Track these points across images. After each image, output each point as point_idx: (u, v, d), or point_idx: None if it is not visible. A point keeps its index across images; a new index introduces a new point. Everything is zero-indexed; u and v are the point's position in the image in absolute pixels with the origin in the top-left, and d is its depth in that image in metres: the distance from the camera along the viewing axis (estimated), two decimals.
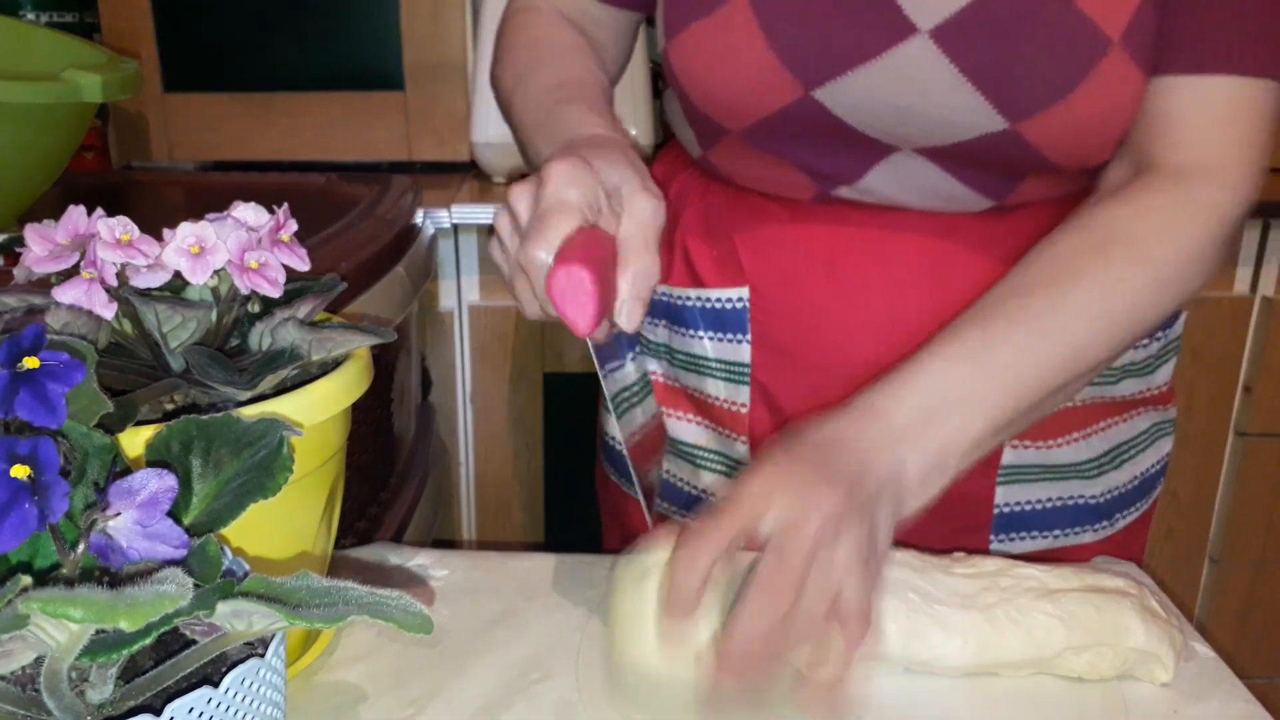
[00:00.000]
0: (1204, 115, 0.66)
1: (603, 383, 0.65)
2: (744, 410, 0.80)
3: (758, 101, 0.70)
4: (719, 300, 0.79)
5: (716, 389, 0.81)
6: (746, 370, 0.79)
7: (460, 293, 1.49)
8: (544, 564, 0.71)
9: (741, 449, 0.81)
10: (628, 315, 0.58)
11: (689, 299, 0.81)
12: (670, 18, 0.72)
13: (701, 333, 0.81)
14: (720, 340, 0.80)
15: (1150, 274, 0.64)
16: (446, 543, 1.59)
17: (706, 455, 0.84)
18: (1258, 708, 0.58)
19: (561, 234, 0.55)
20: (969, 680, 0.59)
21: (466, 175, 1.58)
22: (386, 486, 1.15)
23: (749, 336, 0.79)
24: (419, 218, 1.32)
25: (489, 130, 1.46)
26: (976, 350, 0.61)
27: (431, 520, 1.31)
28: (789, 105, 0.69)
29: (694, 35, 0.70)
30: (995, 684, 0.59)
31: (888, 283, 0.74)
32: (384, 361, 1.11)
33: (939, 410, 0.59)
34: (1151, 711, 0.57)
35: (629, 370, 0.71)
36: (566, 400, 1.54)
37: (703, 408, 0.83)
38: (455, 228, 1.45)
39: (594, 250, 0.56)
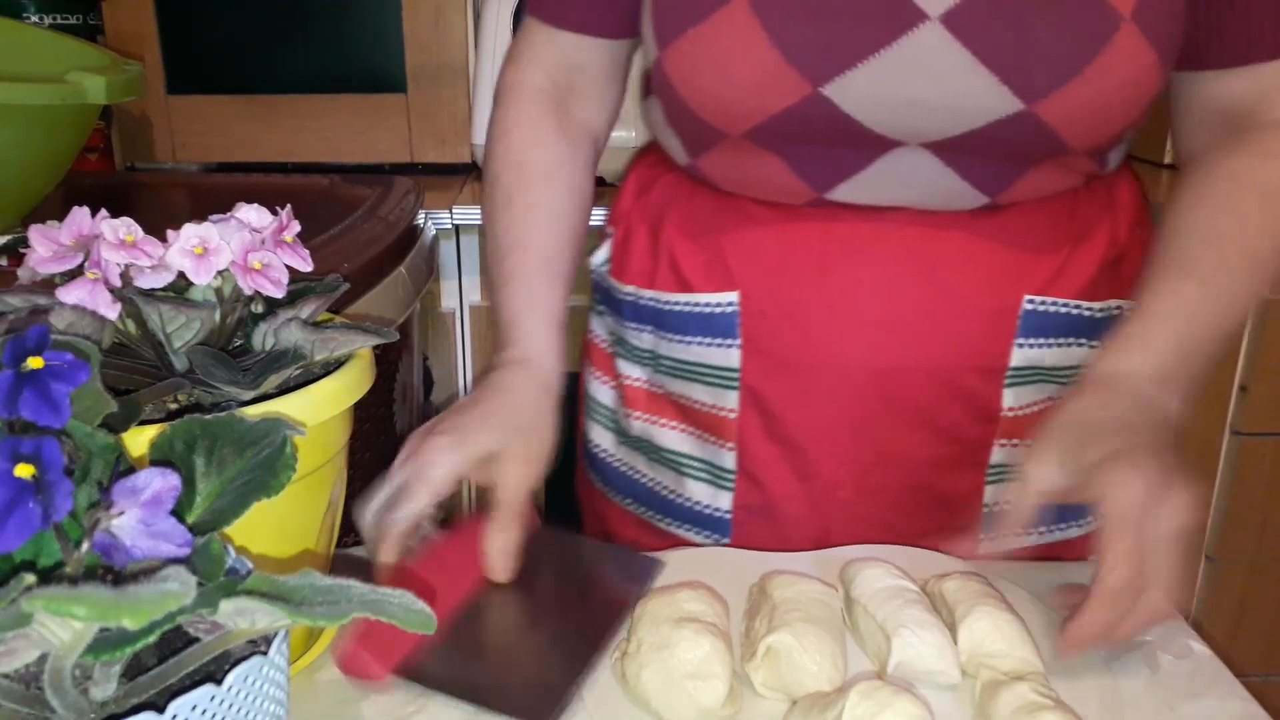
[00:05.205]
0: None
1: None
2: (732, 416, 0.79)
3: (762, 102, 0.69)
4: (708, 305, 0.79)
5: (703, 394, 0.81)
6: (736, 375, 0.79)
7: (462, 293, 1.49)
8: None
9: (728, 456, 0.80)
10: (499, 571, 0.66)
11: (676, 304, 0.80)
12: (662, 28, 0.72)
13: (689, 337, 0.80)
14: (709, 345, 0.79)
15: None
16: None
17: (691, 463, 0.83)
18: (1254, 705, 0.58)
19: (409, 514, 0.65)
20: (964, 680, 0.59)
21: (468, 177, 1.59)
22: None
23: (739, 341, 0.78)
24: (421, 219, 1.32)
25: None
26: (1200, 304, 0.69)
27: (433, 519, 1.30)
28: (796, 104, 0.69)
29: (690, 42, 0.70)
30: None
31: (878, 281, 0.74)
32: (386, 361, 1.11)
33: (1185, 361, 0.68)
34: (1148, 709, 0.58)
35: None
36: (567, 400, 1.54)
37: (688, 414, 0.82)
38: (456, 228, 1.45)
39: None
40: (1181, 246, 0.70)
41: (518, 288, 0.77)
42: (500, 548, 0.66)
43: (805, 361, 0.76)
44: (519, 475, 0.69)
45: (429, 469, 0.66)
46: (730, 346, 0.78)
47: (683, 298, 0.80)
